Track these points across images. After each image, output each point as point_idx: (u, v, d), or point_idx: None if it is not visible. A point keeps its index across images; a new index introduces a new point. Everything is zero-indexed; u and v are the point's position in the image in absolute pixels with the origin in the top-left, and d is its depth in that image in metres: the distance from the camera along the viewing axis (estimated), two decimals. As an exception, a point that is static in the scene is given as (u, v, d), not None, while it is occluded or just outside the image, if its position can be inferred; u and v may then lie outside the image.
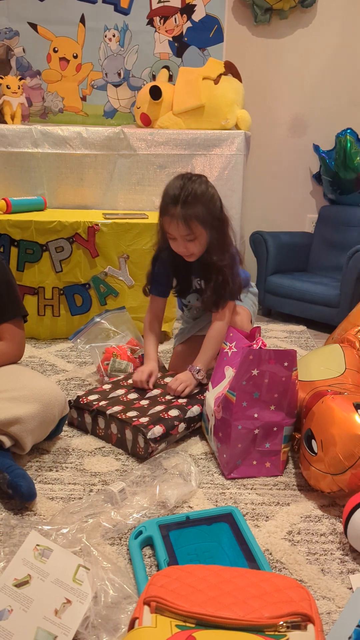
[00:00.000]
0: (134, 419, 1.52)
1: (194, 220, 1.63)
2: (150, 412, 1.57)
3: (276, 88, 3.10)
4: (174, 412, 1.57)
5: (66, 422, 1.65)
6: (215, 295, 1.74)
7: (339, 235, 2.97)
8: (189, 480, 1.36)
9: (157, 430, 1.49)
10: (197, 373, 1.71)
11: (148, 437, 1.47)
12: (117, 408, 1.59)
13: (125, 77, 2.99)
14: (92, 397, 1.66)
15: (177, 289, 1.89)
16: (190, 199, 1.62)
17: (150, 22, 2.92)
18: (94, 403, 1.63)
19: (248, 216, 3.01)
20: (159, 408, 1.59)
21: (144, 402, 1.63)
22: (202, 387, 1.72)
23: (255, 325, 1.83)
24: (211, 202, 1.67)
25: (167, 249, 1.76)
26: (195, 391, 1.70)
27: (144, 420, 1.52)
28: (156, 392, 1.70)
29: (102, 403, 1.62)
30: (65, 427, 1.63)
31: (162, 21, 2.92)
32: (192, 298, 1.89)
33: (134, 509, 1.25)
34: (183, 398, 1.66)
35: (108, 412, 1.57)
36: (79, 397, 1.66)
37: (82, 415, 1.64)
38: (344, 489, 1.28)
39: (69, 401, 1.63)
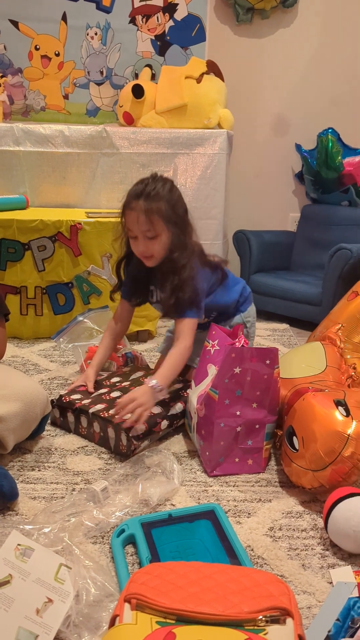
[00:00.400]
0: (116, 417, 1.52)
1: (155, 215, 1.56)
2: None
3: (258, 87, 3.11)
4: (156, 409, 1.57)
5: (49, 421, 1.64)
6: (171, 297, 1.62)
7: (321, 234, 3.00)
8: (172, 478, 1.36)
9: (140, 427, 1.49)
10: (159, 392, 1.53)
11: (131, 434, 1.47)
12: (99, 406, 1.59)
13: (107, 75, 2.99)
14: (74, 396, 1.66)
15: (137, 297, 1.79)
16: (153, 194, 1.56)
17: (133, 21, 2.92)
18: (77, 402, 1.62)
19: (231, 215, 3.02)
20: None
21: None
22: (185, 384, 1.72)
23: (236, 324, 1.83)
24: (177, 202, 1.61)
25: (129, 257, 1.71)
26: (179, 387, 1.70)
27: (126, 417, 1.52)
28: None
29: (85, 402, 1.62)
30: (48, 427, 1.62)
31: (144, 20, 2.91)
32: (158, 308, 1.82)
33: (116, 507, 1.25)
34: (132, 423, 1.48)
35: (91, 410, 1.57)
36: (61, 396, 1.66)
37: (64, 414, 1.63)
38: (324, 484, 1.29)
39: (52, 400, 1.63)
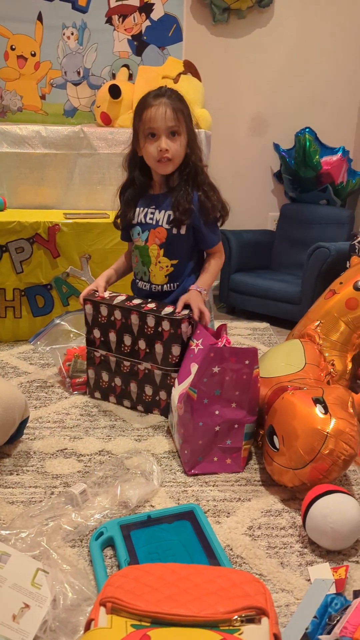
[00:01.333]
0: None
1: (180, 114, 1.65)
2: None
3: (236, 87, 3.12)
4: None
5: (84, 313, 1.77)
6: (208, 200, 1.74)
7: (300, 233, 3.01)
8: (151, 480, 1.36)
9: (184, 311, 1.66)
10: (203, 292, 1.71)
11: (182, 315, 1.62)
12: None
13: (84, 75, 2.97)
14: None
15: (122, 214, 1.84)
16: (175, 96, 1.67)
17: (109, 21, 2.90)
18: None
19: (210, 215, 3.02)
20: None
21: None
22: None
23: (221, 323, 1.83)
24: (190, 112, 1.70)
25: (134, 178, 1.78)
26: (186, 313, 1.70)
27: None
28: None
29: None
30: (26, 430, 1.61)
31: (120, 20, 2.90)
32: (134, 232, 1.82)
33: (95, 510, 1.25)
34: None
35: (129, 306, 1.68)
36: (86, 299, 1.75)
37: (97, 308, 1.73)
38: (305, 482, 1.29)
39: (84, 300, 1.74)
